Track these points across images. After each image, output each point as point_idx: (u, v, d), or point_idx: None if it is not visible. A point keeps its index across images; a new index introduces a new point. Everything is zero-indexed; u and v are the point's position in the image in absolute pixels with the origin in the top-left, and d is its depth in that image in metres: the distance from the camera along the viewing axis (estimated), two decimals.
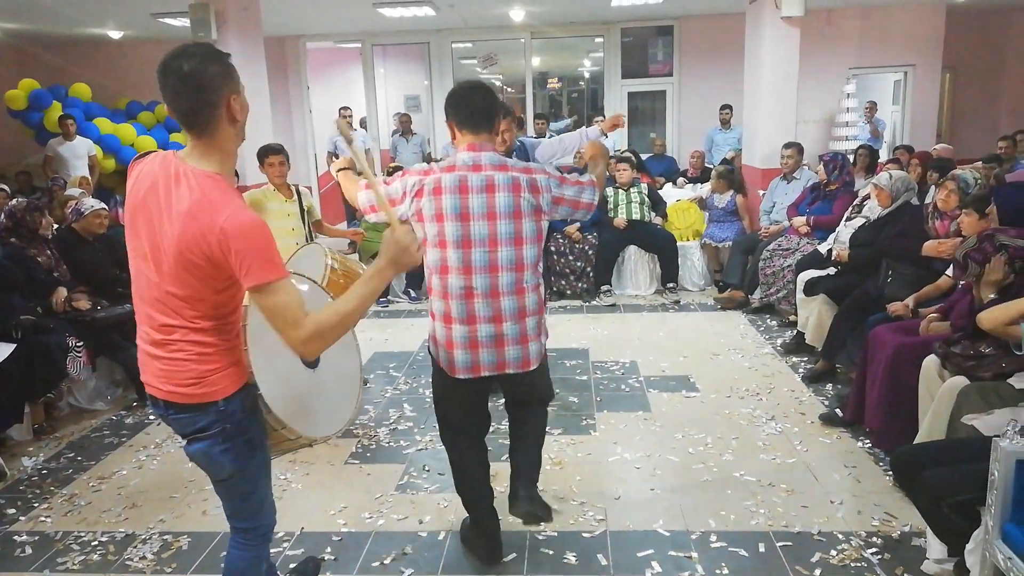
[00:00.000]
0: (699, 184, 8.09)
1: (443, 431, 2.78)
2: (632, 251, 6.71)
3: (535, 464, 2.83)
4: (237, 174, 5.28)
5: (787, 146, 6.35)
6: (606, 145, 2.83)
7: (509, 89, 15.63)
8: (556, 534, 2.94)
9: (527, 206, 2.41)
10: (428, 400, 4.41)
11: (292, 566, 2.73)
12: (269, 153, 4.44)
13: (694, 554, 2.78)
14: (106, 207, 4.83)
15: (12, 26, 9.01)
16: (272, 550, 2.86)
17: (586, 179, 2.57)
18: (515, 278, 2.43)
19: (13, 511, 3.30)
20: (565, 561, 2.77)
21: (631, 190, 6.60)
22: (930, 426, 2.99)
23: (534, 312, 2.51)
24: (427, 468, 3.55)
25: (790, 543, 2.83)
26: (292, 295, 1.73)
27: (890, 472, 3.25)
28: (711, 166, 8.80)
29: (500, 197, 2.38)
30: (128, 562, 2.87)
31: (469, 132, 2.46)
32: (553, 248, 6.53)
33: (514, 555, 2.81)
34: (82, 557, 2.92)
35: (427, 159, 9.76)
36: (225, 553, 2.15)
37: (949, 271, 3.81)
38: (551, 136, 9.26)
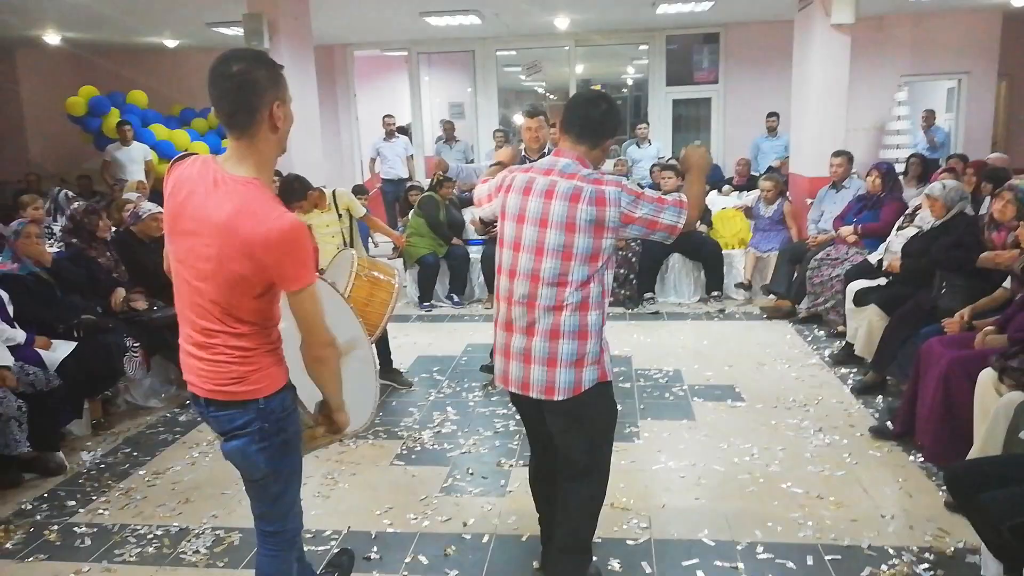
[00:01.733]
0: (744, 192, 8.01)
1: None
2: (676, 259, 6.67)
3: (568, 537, 2.47)
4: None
5: (836, 154, 6.24)
6: (707, 157, 2.48)
7: (552, 96, 15.66)
8: (600, 540, 2.93)
9: (584, 219, 2.19)
10: (471, 404, 4.45)
11: (327, 560, 2.76)
12: (294, 200, 4.46)
13: (740, 565, 2.76)
14: (162, 211, 4.98)
15: (73, 35, 9.36)
16: (319, 548, 2.93)
17: (671, 198, 2.28)
18: (555, 293, 2.23)
19: (73, 503, 3.41)
20: (610, 568, 2.76)
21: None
22: (985, 442, 2.91)
23: (572, 336, 2.23)
24: (471, 471, 3.58)
25: (839, 556, 2.78)
26: (317, 303, 1.82)
27: (943, 487, 3.18)
28: (757, 174, 8.71)
29: (556, 204, 2.22)
30: (182, 555, 2.95)
31: (566, 137, 2.36)
32: None
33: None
34: (138, 549, 3.01)
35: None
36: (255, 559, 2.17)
37: (1006, 283, 3.72)
38: None
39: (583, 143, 2.33)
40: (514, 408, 4.24)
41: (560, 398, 2.27)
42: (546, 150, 4.14)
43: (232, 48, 1.85)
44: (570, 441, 2.39)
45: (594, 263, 2.24)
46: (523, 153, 4.23)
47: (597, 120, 2.34)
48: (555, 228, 2.22)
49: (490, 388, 4.58)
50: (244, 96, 1.76)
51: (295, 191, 4.45)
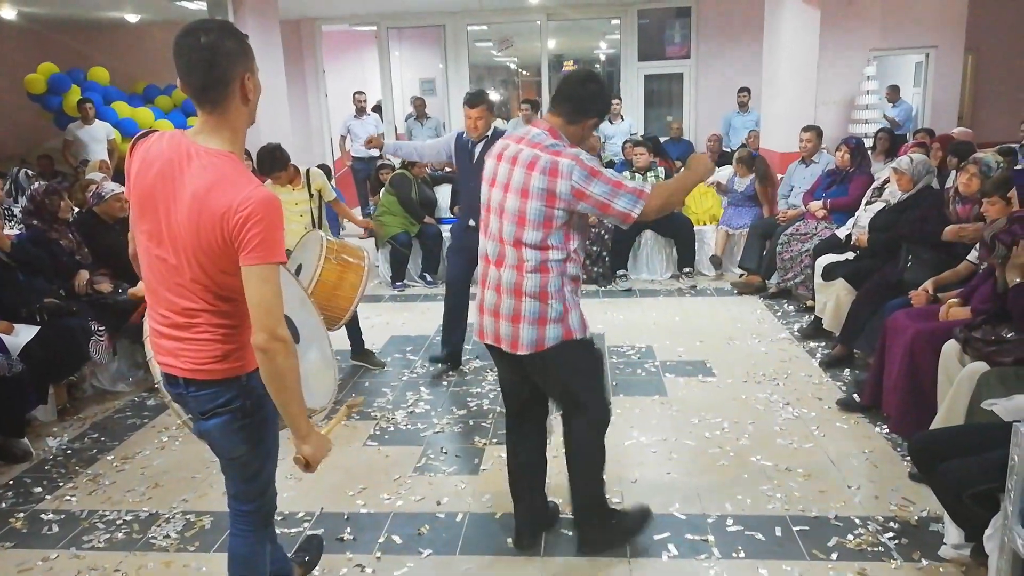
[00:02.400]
0: (717, 168, 8.03)
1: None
2: (648, 235, 6.69)
3: (577, 487, 2.66)
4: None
5: (806, 129, 6.28)
6: (709, 167, 2.57)
7: (524, 72, 15.56)
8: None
9: (537, 187, 2.30)
10: (445, 383, 4.44)
11: (297, 545, 2.75)
12: (275, 170, 4.40)
13: (710, 537, 2.80)
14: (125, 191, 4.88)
15: (31, 10, 9.06)
16: (292, 530, 2.92)
17: (631, 184, 2.34)
18: (515, 254, 2.37)
19: (39, 490, 3.36)
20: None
21: (648, 174, 6.56)
22: (948, 411, 2.98)
23: (534, 296, 2.36)
24: (444, 451, 3.58)
25: (807, 527, 2.83)
26: (275, 287, 1.72)
27: (908, 458, 3.24)
28: (728, 149, 8.73)
29: (516, 171, 2.36)
30: (152, 540, 2.92)
31: (550, 111, 2.49)
32: None
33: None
34: (107, 535, 2.97)
35: None
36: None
37: (970, 256, 3.78)
38: None
39: (559, 116, 2.44)
40: (487, 387, 4.28)
41: (523, 353, 2.41)
42: (489, 133, 4.22)
43: (197, 19, 1.80)
44: (549, 389, 2.60)
45: (547, 229, 2.34)
46: (466, 138, 4.30)
47: (580, 97, 2.42)
48: (512, 193, 2.36)
49: (442, 375, 4.57)
50: (215, 69, 1.72)
51: (276, 160, 4.38)
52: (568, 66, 14.44)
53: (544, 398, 2.68)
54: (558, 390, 2.57)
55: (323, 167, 7.51)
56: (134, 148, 1.85)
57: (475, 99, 4.20)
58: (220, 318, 1.82)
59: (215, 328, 1.82)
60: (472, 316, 2.63)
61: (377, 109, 10.99)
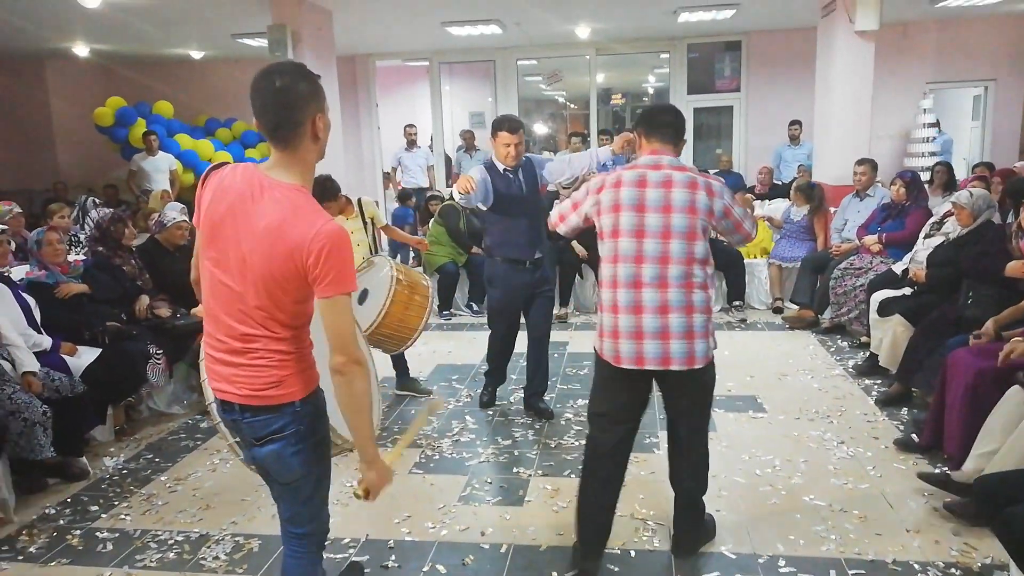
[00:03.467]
0: (767, 201, 7.94)
1: (590, 426, 2.80)
2: None
3: (701, 491, 2.87)
4: None
5: (860, 163, 6.17)
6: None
7: (572, 105, 15.68)
8: (619, 552, 2.91)
9: (702, 204, 2.53)
10: (490, 412, 4.44)
11: (339, 573, 2.75)
12: (325, 200, 4.34)
13: None
14: (187, 219, 5.05)
15: (101, 47, 9.54)
16: (338, 556, 2.93)
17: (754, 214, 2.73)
18: (685, 271, 2.52)
19: (96, 508, 3.45)
20: None
21: None
22: (1009, 452, 2.85)
23: (702, 310, 2.55)
24: (489, 481, 3.57)
25: (863, 571, 2.73)
26: (349, 315, 1.81)
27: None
28: (779, 182, 8.64)
29: (677, 192, 2.53)
30: (202, 561, 2.97)
31: (656, 140, 2.68)
32: None
33: (576, 571, 2.79)
34: (159, 555, 3.03)
35: None
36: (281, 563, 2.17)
37: None
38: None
39: (668, 142, 2.68)
40: (531, 419, 4.24)
41: (699, 366, 2.57)
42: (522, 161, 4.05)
43: (276, 62, 1.88)
44: (699, 401, 2.75)
45: (706, 241, 2.60)
46: (503, 168, 4.03)
47: (679, 126, 2.73)
48: (679, 212, 2.53)
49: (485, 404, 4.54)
50: (288, 110, 1.79)
51: (327, 189, 4.44)
52: (616, 99, 14.52)
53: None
54: (704, 400, 2.76)
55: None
56: (207, 179, 1.91)
57: (517, 123, 4.02)
58: (277, 344, 1.87)
59: (272, 354, 1.87)
60: (598, 344, 2.68)
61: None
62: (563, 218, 2.82)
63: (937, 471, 3.38)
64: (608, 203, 2.60)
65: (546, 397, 4.45)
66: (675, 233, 2.51)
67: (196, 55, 10.29)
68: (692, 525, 2.88)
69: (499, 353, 4.44)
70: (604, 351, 2.63)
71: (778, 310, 6.53)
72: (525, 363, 4.39)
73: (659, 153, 2.64)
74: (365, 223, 4.69)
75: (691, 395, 2.70)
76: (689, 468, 2.82)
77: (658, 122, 2.68)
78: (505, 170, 4.05)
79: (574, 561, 2.79)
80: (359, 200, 4.69)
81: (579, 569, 2.75)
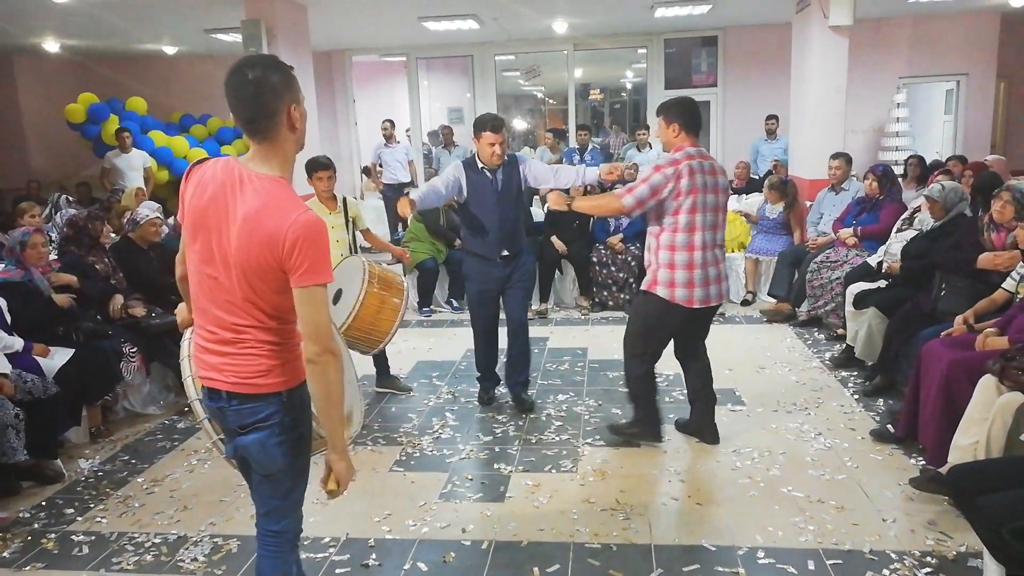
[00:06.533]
0: (743, 195, 7.99)
1: (642, 360, 3.67)
2: None
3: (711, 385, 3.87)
4: None
5: (835, 157, 6.23)
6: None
7: (551, 101, 15.69)
8: (599, 546, 2.93)
9: (723, 185, 3.55)
10: (470, 408, 4.44)
11: None
12: (318, 168, 4.44)
13: (741, 570, 2.74)
14: (161, 216, 4.98)
15: (73, 42, 9.38)
16: (318, 555, 2.91)
17: None
18: (723, 235, 3.61)
19: (71, 511, 3.40)
20: (611, 574, 2.75)
21: None
22: (983, 442, 2.90)
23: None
24: (470, 477, 3.57)
25: (840, 561, 2.77)
26: (324, 305, 1.82)
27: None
28: (756, 176, 8.70)
29: (720, 178, 3.52)
30: (180, 563, 2.94)
31: (695, 135, 3.50)
32: (596, 259, 6.52)
33: (558, 566, 2.80)
34: (136, 557, 2.99)
35: None
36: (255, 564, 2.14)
37: (1006, 284, 3.70)
38: (593, 148, 9.27)
39: (693, 133, 3.51)
40: (511, 414, 4.25)
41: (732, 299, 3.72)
42: (506, 159, 4.07)
43: (245, 56, 1.89)
44: (705, 326, 3.81)
45: None
46: (481, 166, 4.05)
47: (700, 119, 3.57)
48: (722, 192, 3.53)
49: (481, 399, 4.54)
50: (262, 101, 1.81)
51: (319, 163, 4.43)
52: (595, 94, 14.56)
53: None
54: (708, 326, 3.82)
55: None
56: (189, 174, 1.92)
57: (500, 122, 4.01)
58: (266, 334, 1.88)
59: (261, 344, 1.88)
60: (667, 293, 3.48)
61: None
62: (641, 204, 3.40)
63: (919, 471, 3.43)
64: (687, 187, 3.34)
65: (528, 391, 4.46)
66: (721, 208, 3.52)
67: (169, 50, 10.15)
68: (712, 416, 3.83)
69: (485, 355, 4.44)
70: (677, 298, 3.45)
71: (747, 302, 6.59)
72: (506, 352, 4.39)
73: (698, 146, 3.48)
74: (347, 221, 4.65)
75: (711, 318, 3.75)
76: (706, 373, 3.80)
77: (698, 121, 3.50)
78: (483, 168, 4.07)
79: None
80: (343, 199, 4.65)
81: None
